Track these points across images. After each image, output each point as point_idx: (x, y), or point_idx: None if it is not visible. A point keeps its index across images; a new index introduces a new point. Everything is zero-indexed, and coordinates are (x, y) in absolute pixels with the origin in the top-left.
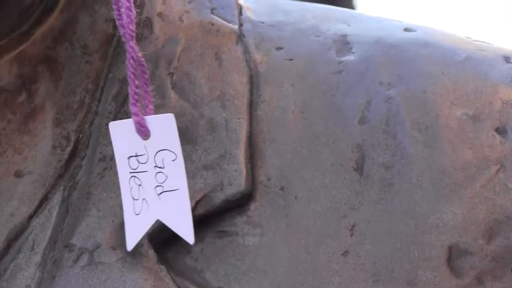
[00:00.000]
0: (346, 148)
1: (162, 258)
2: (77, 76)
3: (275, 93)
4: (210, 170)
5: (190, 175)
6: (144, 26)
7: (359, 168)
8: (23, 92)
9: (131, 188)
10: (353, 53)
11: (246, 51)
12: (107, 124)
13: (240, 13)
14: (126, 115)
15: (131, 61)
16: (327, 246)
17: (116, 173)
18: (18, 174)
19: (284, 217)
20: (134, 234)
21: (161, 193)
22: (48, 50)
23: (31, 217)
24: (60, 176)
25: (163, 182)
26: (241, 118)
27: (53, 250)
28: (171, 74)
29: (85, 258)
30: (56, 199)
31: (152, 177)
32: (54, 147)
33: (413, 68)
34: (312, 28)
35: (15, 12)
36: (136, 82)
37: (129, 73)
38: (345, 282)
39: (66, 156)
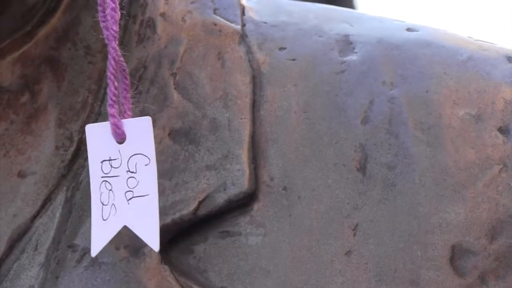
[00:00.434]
0: (349, 148)
1: (165, 258)
2: (80, 77)
3: (278, 93)
4: (213, 170)
5: (193, 175)
6: (147, 26)
7: (362, 168)
8: (26, 93)
9: (101, 193)
10: (356, 53)
11: (248, 51)
12: None
13: (243, 13)
14: (129, 116)
15: (112, 62)
16: (330, 245)
17: None
18: (21, 175)
19: (287, 217)
20: (100, 240)
21: (130, 198)
22: (51, 51)
23: (34, 217)
24: (63, 177)
25: (134, 187)
26: (244, 118)
27: (57, 251)
28: (174, 75)
29: (88, 258)
30: (59, 199)
31: (123, 182)
32: (57, 147)
33: (415, 68)
34: (315, 28)
35: (18, 13)
36: (116, 84)
37: (109, 74)
38: (348, 282)
39: (69, 156)
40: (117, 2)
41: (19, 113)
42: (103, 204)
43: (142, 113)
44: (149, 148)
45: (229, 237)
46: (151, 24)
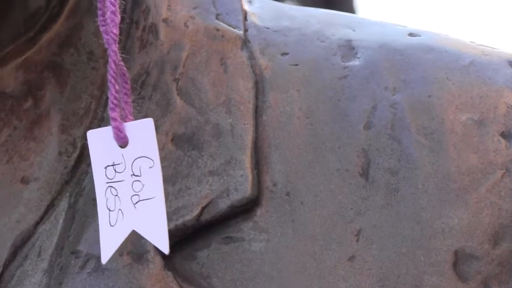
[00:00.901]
0: (352, 153)
1: (168, 264)
2: (82, 82)
3: (281, 98)
4: (216, 176)
5: (196, 180)
6: (149, 32)
7: (364, 173)
8: (29, 99)
9: (107, 199)
10: (358, 58)
11: (251, 56)
12: None
13: (245, 18)
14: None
15: (112, 65)
16: (333, 251)
17: None
18: (24, 181)
19: (290, 222)
20: (109, 246)
21: (137, 202)
22: (53, 56)
23: (37, 223)
24: (67, 182)
25: (140, 190)
26: (247, 123)
27: (60, 257)
28: (176, 80)
29: (91, 264)
30: (63, 205)
31: (128, 186)
32: (60, 153)
33: (418, 73)
34: (317, 33)
35: (20, 19)
36: (116, 87)
37: (109, 77)
38: (351, 287)
39: (72, 162)
40: (117, 6)
41: (22, 119)
42: (109, 210)
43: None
44: (153, 150)
45: (232, 243)
46: (153, 29)
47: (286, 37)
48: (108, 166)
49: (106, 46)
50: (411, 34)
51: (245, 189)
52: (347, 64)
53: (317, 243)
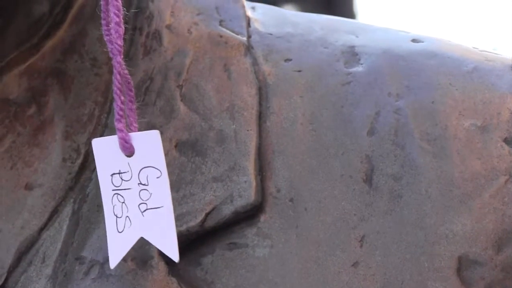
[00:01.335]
0: (355, 159)
1: (172, 270)
2: (86, 89)
3: (284, 104)
4: (220, 182)
5: (200, 187)
6: (153, 38)
7: (368, 179)
8: (32, 105)
9: (114, 205)
10: (361, 64)
11: (254, 62)
12: None
13: (248, 24)
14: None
15: (118, 76)
16: (337, 257)
17: None
18: (28, 187)
19: (294, 229)
20: (117, 252)
21: (145, 210)
22: (57, 63)
23: (41, 229)
24: (70, 189)
25: (147, 199)
26: (250, 129)
27: (64, 263)
28: (180, 86)
29: (96, 271)
30: (67, 211)
31: (135, 194)
32: (64, 159)
33: (421, 79)
34: (320, 39)
35: (24, 26)
36: (122, 98)
37: (115, 88)
38: None
39: (76, 168)
40: (121, 17)
41: (26, 126)
42: (117, 217)
43: (149, 125)
44: (160, 161)
45: (236, 249)
46: (157, 36)
47: (290, 43)
48: (114, 174)
49: (111, 55)
50: (414, 40)
51: (249, 195)
52: (351, 70)
53: (321, 249)
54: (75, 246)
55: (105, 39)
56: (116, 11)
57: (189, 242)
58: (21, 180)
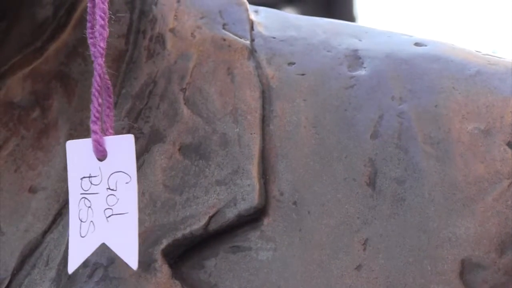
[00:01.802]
0: (359, 162)
1: (176, 273)
2: (90, 92)
3: (287, 108)
4: (223, 185)
5: (203, 190)
6: (156, 41)
7: (371, 183)
8: (36, 108)
9: (80, 210)
10: (365, 68)
11: (258, 66)
12: None
13: (252, 28)
14: (139, 131)
15: (97, 78)
16: (340, 260)
17: None
18: (32, 190)
19: (297, 232)
20: (77, 257)
21: (109, 216)
22: (61, 66)
23: (45, 232)
24: None
25: (114, 205)
26: (254, 133)
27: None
28: (183, 90)
29: (99, 273)
30: None
31: (102, 199)
32: None
33: (424, 83)
34: (324, 43)
35: (28, 29)
36: (99, 100)
37: (93, 90)
38: None
39: None
40: (107, 20)
41: (30, 129)
42: (81, 221)
43: (153, 129)
44: (131, 166)
45: (240, 252)
46: (160, 39)
47: (293, 46)
48: (85, 177)
49: (93, 58)
50: (417, 44)
51: (252, 199)
52: (354, 73)
53: (324, 252)
54: None
55: (88, 41)
56: (102, 14)
57: (193, 245)
58: (25, 183)
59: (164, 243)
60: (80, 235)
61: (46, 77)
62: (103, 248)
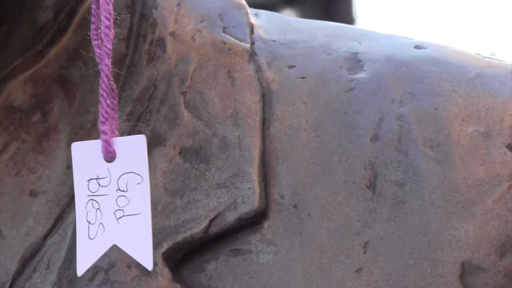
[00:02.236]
0: (359, 165)
1: (177, 276)
2: (91, 96)
3: (288, 111)
4: (224, 189)
5: (204, 193)
6: (157, 45)
7: (371, 186)
8: (37, 112)
9: (87, 212)
10: (365, 71)
11: (258, 69)
12: None
13: (252, 31)
14: (140, 134)
15: (105, 79)
16: (340, 263)
17: None
18: (33, 194)
19: (297, 235)
20: (87, 259)
21: (120, 217)
22: (62, 70)
23: (46, 236)
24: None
25: (125, 206)
26: (254, 136)
27: (69, 269)
28: (184, 93)
29: (100, 277)
30: (71, 218)
31: (112, 200)
32: (68, 166)
33: (424, 86)
34: (324, 46)
35: (28, 33)
36: (108, 101)
37: (101, 91)
38: None
39: None
40: (112, 21)
41: (31, 133)
42: (89, 223)
43: (153, 132)
44: (143, 166)
45: (240, 255)
46: (161, 43)
47: (293, 50)
48: (92, 179)
49: (98, 60)
50: (417, 47)
51: (253, 202)
52: (354, 76)
53: (325, 255)
54: None
55: (93, 43)
56: (107, 15)
57: (193, 248)
58: (26, 187)
59: (165, 246)
60: (89, 237)
61: (47, 81)
62: (104, 252)
